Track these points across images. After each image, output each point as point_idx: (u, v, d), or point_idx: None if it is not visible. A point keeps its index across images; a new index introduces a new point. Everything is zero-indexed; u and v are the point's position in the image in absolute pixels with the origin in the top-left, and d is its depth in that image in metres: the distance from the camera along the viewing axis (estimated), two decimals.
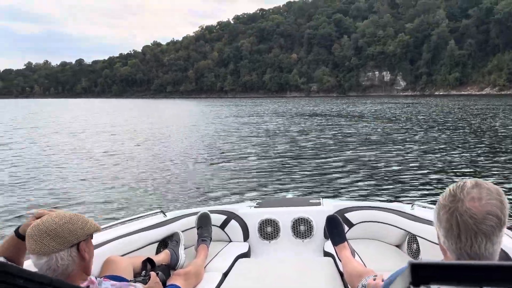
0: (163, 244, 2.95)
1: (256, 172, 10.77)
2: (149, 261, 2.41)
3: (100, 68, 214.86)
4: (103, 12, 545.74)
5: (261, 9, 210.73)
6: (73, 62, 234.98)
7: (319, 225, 3.26)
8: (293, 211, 3.34)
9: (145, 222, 2.93)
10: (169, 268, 2.70)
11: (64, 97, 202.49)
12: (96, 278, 1.64)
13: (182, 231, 3.04)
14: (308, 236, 3.29)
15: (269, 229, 3.32)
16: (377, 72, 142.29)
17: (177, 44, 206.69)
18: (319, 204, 3.45)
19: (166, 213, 3.17)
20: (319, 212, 3.30)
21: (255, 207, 3.49)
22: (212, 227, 3.17)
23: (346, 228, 3.14)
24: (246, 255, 3.15)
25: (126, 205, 7.75)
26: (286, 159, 12.80)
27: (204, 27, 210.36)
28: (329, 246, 2.96)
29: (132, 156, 14.28)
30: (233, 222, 3.34)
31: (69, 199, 8.36)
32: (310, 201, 3.57)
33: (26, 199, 8.52)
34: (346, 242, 2.62)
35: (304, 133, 20.78)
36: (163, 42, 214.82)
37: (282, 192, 8.51)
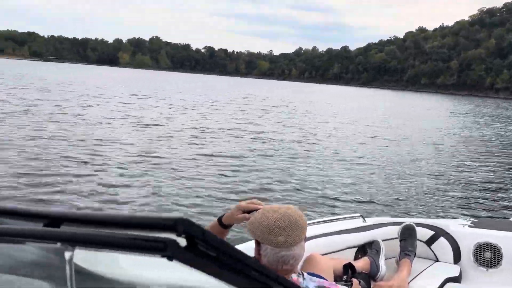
0: (361, 250, 2.82)
1: (471, 184, 9.55)
2: (350, 266, 2.34)
3: (354, 55, 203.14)
4: (382, 3, 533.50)
5: None
6: (339, 49, 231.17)
7: None
8: None
9: (344, 224, 2.86)
10: (369, 277, 2.56)
11: (315, 82, 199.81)
12: (301, 273, 1.66)
13: (382, 240, 2.83)
14: None
15: (487, 254, 2.86)
16: None
17: (445, 30, 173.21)
18: None
19: (365, 218, 3.02)
20: None
21: (469, 226, 3.07)
22: (417, 241, 2.88)
23: None
24: (456, 279, 2.76)
25: (326, 203, 7.50)
26: None
27: (485, 10, 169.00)
28: None
29: (350, 152, 13.10)
30: (442, 240, 2.96)
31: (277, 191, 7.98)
32: None
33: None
34: None
35: None
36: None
37: (502, 211, 7.37)
